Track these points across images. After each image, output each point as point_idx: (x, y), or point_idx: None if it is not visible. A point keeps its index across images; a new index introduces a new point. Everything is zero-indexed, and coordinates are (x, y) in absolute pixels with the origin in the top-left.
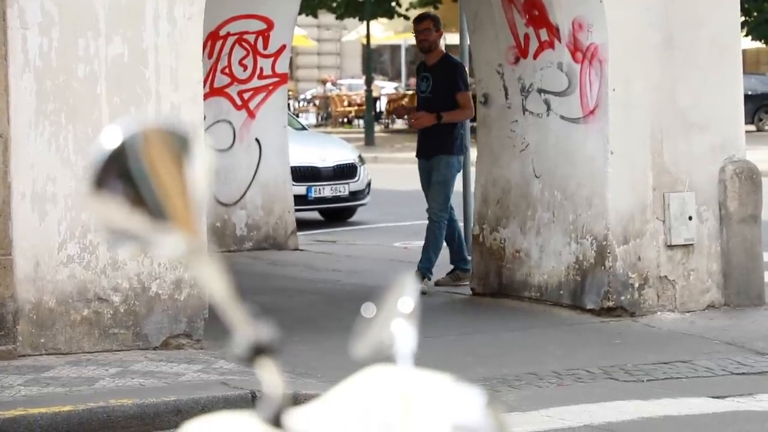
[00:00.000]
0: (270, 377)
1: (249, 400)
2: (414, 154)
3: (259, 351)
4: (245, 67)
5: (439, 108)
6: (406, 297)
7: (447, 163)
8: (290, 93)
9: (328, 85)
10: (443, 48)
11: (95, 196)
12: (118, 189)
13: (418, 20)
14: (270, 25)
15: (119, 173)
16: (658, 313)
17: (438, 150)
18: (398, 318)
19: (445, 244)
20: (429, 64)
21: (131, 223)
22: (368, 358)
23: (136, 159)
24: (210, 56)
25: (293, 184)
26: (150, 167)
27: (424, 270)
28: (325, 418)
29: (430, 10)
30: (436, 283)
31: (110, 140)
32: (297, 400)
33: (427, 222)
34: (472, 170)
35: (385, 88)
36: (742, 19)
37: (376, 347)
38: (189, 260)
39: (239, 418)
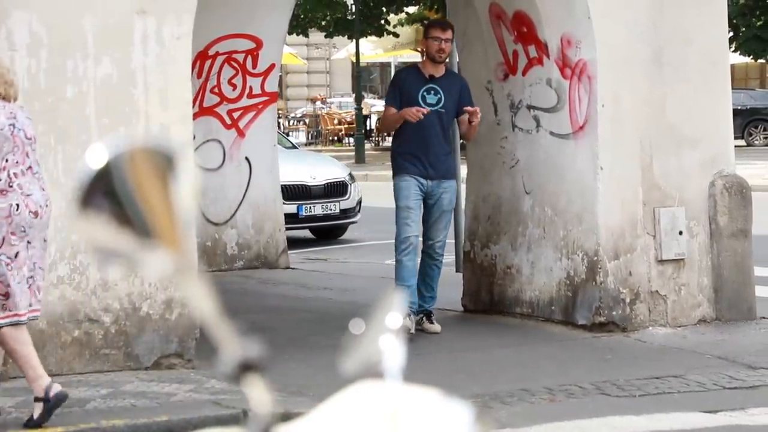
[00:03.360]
0: (258, 395)
1: (240, 420)
2: None
3: (247, 368)
4: (234, 87)
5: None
6: (394, 313)
7: (456, 191)
8: (280, 112)
9: (318, 103)
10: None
11: (82, 216)
12: (104, 208)
13: (442, 27)
14: (259, 44)
15: (105, 192)
16: (650, 328)
17: (449, 174)
18: (387, 334)
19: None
20: (437, 75)
21: (118, 243)
22: (357, 374)
23: (122, 178)
24: (199, 76)
25: (284, 203)
26: (136, 186)
27: (431, 309)
28: None
29: (418, 27)
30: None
31: (96, 159)
32: (288, 418)
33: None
34: (462, 187)
35: (375, 105)
36: (730, 34)
37: (365, 364)
38: (177, 279)
39: None
